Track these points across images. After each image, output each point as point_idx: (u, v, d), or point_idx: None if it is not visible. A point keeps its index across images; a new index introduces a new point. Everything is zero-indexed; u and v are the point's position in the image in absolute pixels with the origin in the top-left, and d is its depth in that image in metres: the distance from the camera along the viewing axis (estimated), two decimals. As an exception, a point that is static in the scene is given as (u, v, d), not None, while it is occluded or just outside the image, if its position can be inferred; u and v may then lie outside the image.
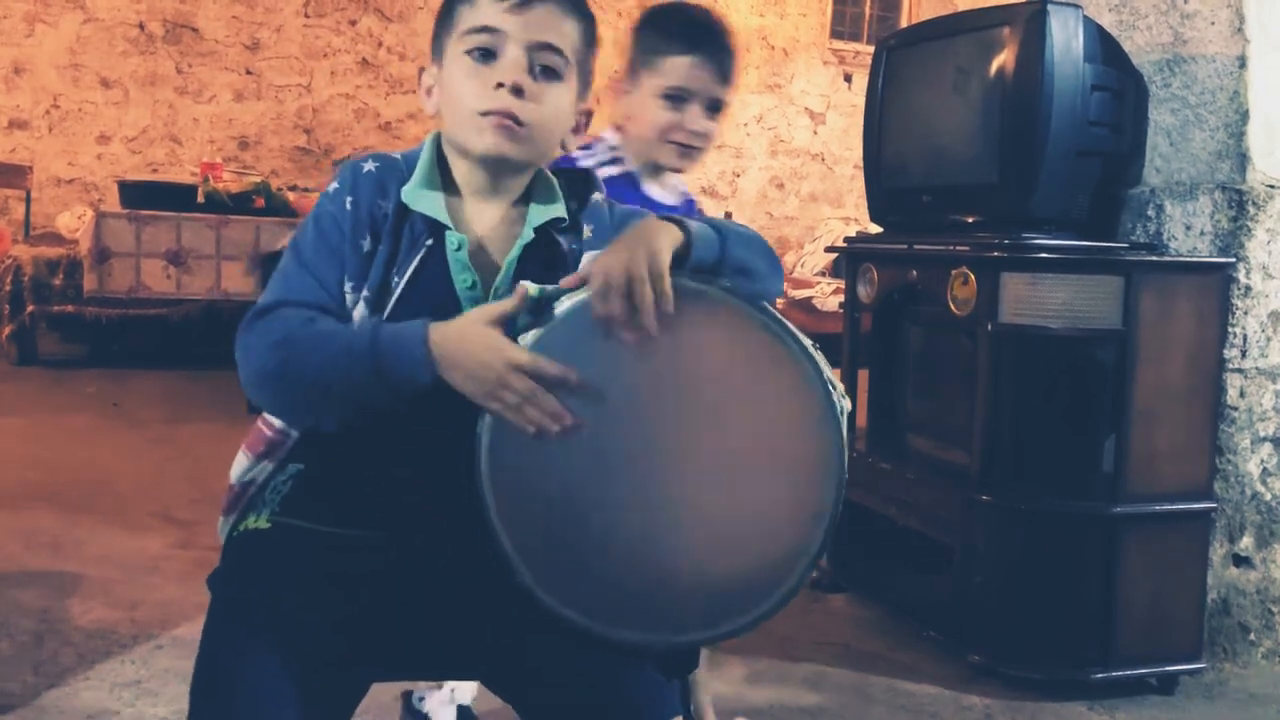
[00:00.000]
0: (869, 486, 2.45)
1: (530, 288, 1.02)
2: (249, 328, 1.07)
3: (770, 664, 2.15)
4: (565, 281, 1.02)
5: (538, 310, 1.01)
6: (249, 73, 7.22)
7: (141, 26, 6.99)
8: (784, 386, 0.98)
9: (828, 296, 6.14)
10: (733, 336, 1.00)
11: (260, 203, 5.27)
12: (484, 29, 1.10)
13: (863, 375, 2.63)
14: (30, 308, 5.10)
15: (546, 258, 1.13)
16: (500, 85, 1.08)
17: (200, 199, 5.20)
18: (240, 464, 1.15)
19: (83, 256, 5.00)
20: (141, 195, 5.22)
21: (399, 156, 1.16)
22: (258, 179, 5.60)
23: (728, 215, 7.71)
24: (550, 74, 1.12)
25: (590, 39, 1.17)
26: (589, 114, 1.21)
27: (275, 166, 7.21)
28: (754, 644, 2.22)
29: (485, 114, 1.09)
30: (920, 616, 2.30)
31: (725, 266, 1.07)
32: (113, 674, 1.97)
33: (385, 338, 1.02)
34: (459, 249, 1.10)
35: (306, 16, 7.30)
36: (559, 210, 1.15)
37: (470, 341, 1.01)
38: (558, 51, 1.11)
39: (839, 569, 2.56)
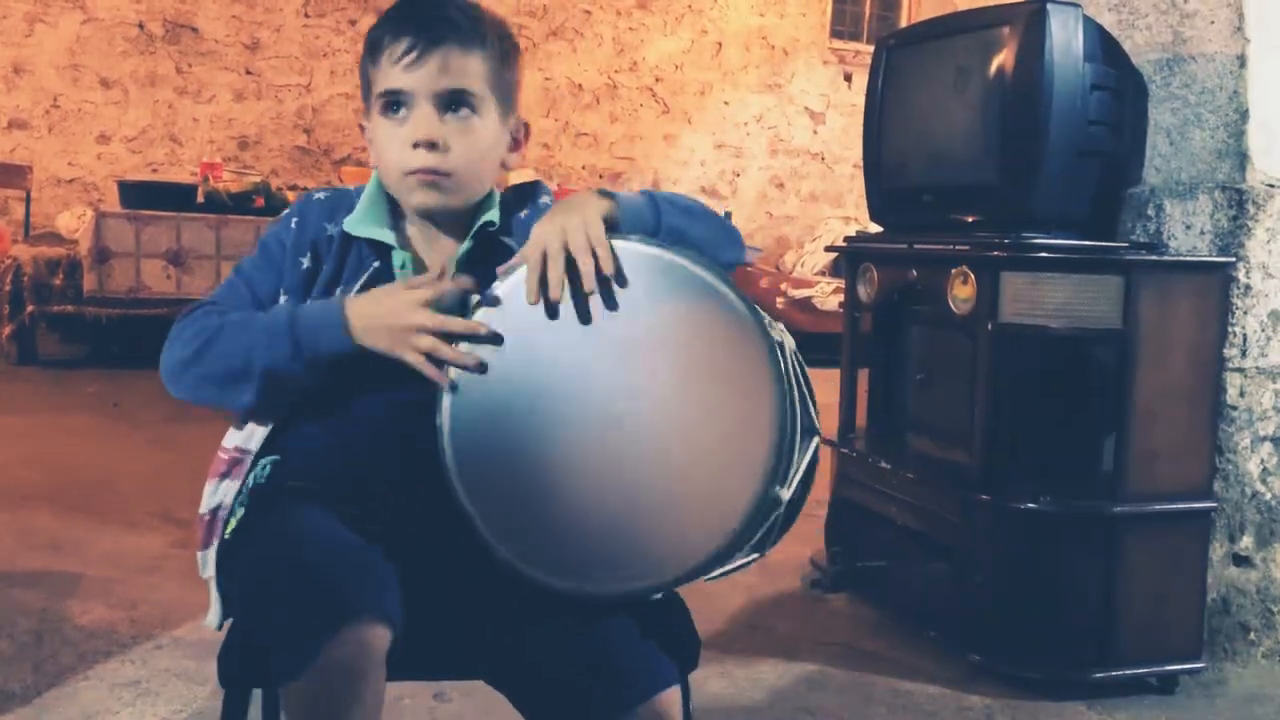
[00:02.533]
0: (869, 486, 2.45)
1: (471, 290, 1.08)
2: (175, 326, 1.13)
3: (770, 664, 2.15)
4: (502, 269, 1.05)
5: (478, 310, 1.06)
6: (249, 73, 7.22)
7: (141, 26, 6.99)
8: (712, 314, 1.01)
9: (828, 296, 6.15)
10: (660, 283, 1.02)
11: (260, 203, 5.27)
12: (389, 92, 1.14)
13: (863, 375, 2.63)
14: (30, 308, 5.10)
15: (492, 264, 1.13)
16: (416, 145, 1.12)
17: (200, 199, 5.19)
18: (206, 493, 1.17)
19: (83, 256, 5.00)
20: (141, 195, 5.22)
21: (351, 189, 1.21)
22: (257, 179, 5.60)
23: (727, 215, 7.71)
24: (464, 112, 1.14)
25: (501, 58, 1.17)
26: (525, 125, 1.24)
27: (275, 166, 7.21)
28: (754, 644, 2.22)
29: (409, 174, 1.13)
30: (920, 616, 2.30)
31: (661, 235, 1.08)
32: (113, 674, 1.97)
33: (303, 312, 1.09)
34: (404, 267, 1.15)
35: (306, 16, 7.31)
36: (492, 214, 1.18)
37: (381, 298, 1.08)
38: (464, 92, 1.14)
39: (839, 569, 2.56)
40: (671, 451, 1.02)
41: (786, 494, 1.03)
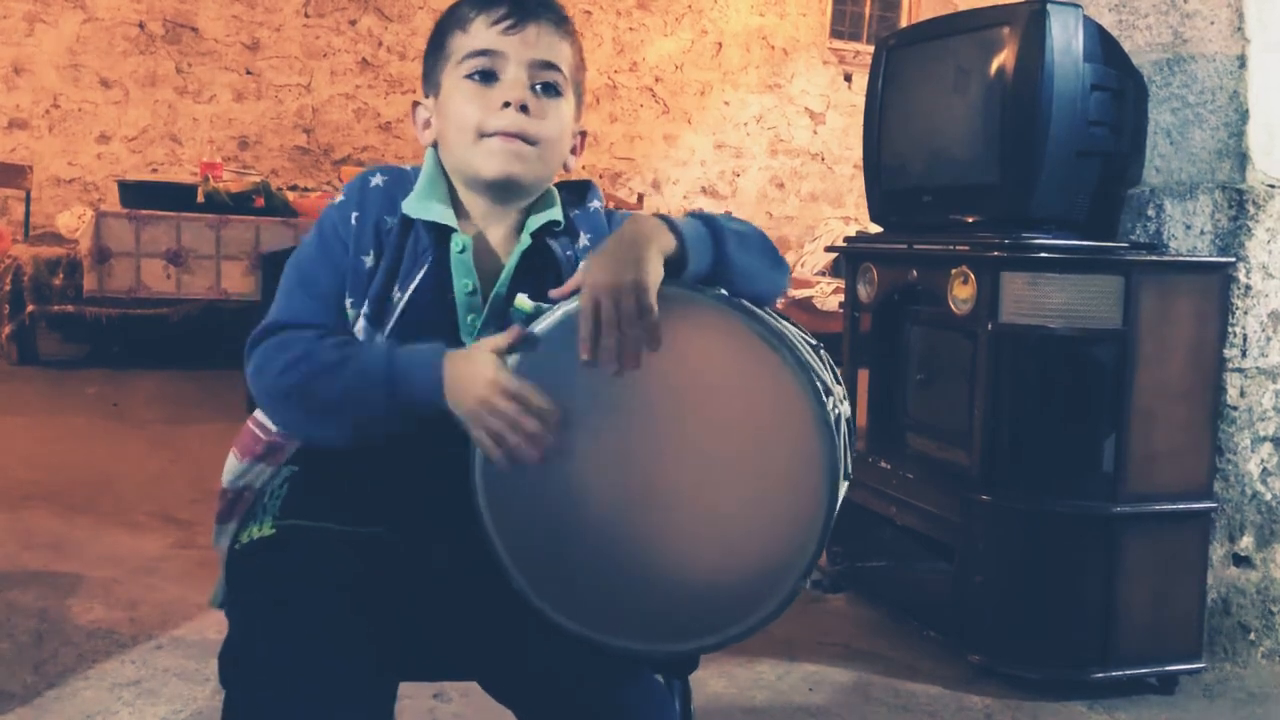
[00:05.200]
0: (869, 486, 2.45)
1: (526, 303, 1.03)
2: (257, 345, 1.07)
3: (770, 664, 2.15)
4: (556, 292, 1.01)
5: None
6: (249, 73, 7.22)
7: (141, 26, 6.99)
8: (773, 393, 0.97)
9: (828, 296, 6.14)
10: (721, 344, 0.99)
11: (260, 202, 5.26)
12: (482, 52, 1.10)
13: (863, 375, 2.63)
14: (30, 308, 5.10)
15: (544, 264, 1.13)
16: (507, 104, 1.09)
17: (200, 199, 5.19)
18: (232, 468, 1.14)
19: (83, 256, 5.00)
20: (141, 195, 5.22)
21: (408, 169, 1.16)
22: (258, 179, 5.59)
23: (727, 214, 7.65)
24: (551, 91, 1.12)
25: (580, 60, 1.17)
26: (584, 135, 1.21)
27: (275, 166, 7.21)
28: (754, 644, 2.22)
29: (493, 134, 1.09)
30: (920, 616, 2.30)
31: (721, 272, 1.05)
32: (113, 674, 1.97)
33: (400, 363, 1.03)
34: (463, 251, 1.10)
35: (306, 16, 7.30)
36: (555, 214, 1.15)
37: (472, 365, 1.00)
38: (557, 68, 1.12)
39: (839, 569, 2.56)
40: (709, 519, 0.98)
41: (815, 574, 1.01)
